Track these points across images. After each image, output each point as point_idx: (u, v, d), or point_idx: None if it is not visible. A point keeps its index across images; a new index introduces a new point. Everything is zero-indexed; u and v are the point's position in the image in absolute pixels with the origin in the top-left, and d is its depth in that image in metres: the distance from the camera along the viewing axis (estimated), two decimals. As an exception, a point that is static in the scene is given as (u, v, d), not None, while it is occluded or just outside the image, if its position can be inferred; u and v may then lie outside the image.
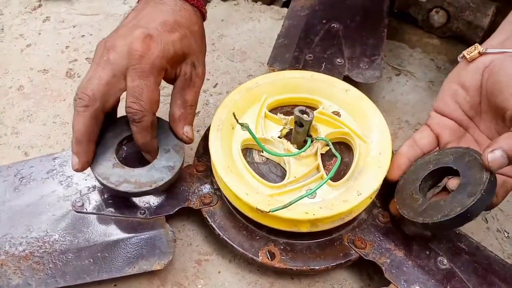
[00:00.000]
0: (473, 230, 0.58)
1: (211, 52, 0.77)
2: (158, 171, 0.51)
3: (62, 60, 0.75)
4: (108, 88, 0.46)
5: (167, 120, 0.53)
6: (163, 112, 0.54)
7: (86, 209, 0.52)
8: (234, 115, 0.46)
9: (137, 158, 0.53)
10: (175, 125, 0.52)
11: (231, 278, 0.53)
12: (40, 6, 0.83)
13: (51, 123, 0.67)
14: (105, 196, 0.53)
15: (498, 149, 0.42)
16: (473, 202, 0.42)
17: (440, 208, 0.44)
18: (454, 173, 0.46)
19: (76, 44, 0.77)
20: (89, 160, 0.49)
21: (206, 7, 0.54)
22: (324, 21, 0.73)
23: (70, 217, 0.52)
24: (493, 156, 0.42)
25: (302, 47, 0.70)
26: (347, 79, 0.65)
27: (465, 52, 0.49)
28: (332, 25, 0.72)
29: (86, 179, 0.54)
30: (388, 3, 0.75)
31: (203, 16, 0.54)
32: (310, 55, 0.68)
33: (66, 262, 0.49)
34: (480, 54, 0.48)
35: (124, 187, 0.49)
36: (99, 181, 0.49)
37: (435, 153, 0.50)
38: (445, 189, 0.48)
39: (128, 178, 0.50)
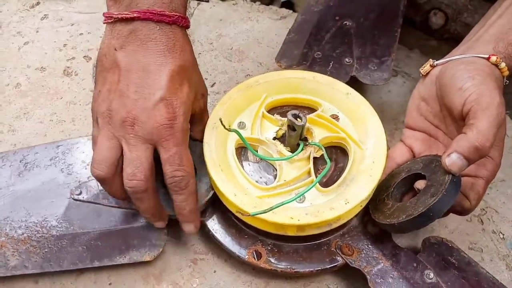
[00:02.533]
0: (468, 231, 0.58)
1: (209, 52, 0.77)
2: (207, 177, 0.52)
3: (59, 58, 0.75)
4: (151, 163, 0.47)
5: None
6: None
7: (84, 198, 0.54)
8: (221, 121, 0.46)
9: None
10: None
11: (227, 278, 0.54)
12: (38, 3, 0.82)
13: (48, 121, 0.67)
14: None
15: (453, 152, 0.44)
16: (435, 202, 0.44)
17: (405, 209, 0.47)
18: (423, 179, 0.48)
19: (74, 42, 0.77)
20: (167, 218, 0.52)
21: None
22: (337, 18, 0.72)
23: (68, 205, 0.54)
24: (450, 159, 0.44)
25: (312, 44, 0.68)
26: (353, 79, 0.64)
27: (420, 69, 0.53)
28: (345, 22, 0.71)
29: (86, 168, 0.56)
30: (405, 2, 0.72)
31: (187, 26, 0.51)
32: (319, 52, 0.67)
33: (61, 248, 0.51)
34: (432, 66, 0.52)
35: None
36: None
37: (408, 163, 0.52)
38: (415, 192, 0.49)
39: None
